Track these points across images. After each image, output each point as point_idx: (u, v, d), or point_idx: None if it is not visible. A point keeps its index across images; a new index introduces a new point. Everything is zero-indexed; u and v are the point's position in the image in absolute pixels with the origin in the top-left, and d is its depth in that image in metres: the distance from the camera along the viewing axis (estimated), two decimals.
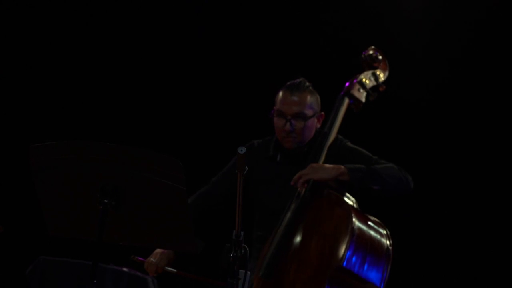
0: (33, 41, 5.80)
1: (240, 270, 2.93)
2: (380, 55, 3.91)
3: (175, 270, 3.65)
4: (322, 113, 3.80)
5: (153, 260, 3.73)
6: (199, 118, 5.73)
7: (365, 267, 3.38)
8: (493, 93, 5.35)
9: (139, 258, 3.75)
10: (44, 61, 5.81)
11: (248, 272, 2.96)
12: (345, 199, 3.54)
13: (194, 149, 5.56)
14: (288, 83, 3.78)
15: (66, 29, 5.79)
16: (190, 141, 5.65)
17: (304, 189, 3.55)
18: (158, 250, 3.74)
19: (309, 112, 3.71)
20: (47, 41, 5.79)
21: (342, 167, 3.56)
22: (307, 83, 3.77)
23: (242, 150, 2.85)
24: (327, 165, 3.58)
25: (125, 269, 3.84)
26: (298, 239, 3.48)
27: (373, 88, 3.84)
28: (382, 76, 3.87)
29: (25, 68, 5.82)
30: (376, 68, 3.89)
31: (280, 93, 3.76)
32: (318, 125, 3.79)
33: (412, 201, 5.13)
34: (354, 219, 3.39)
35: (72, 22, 5.78)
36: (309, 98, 3.73)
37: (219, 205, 3.87)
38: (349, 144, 3.79)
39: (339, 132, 3.74)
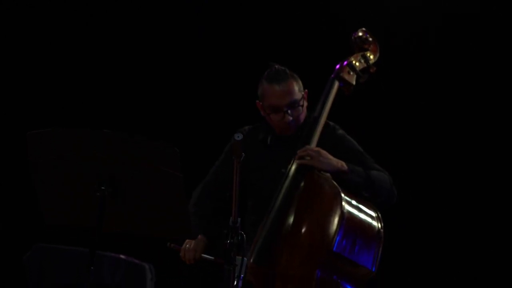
0: (28, 32, 5.80)
1: (237, 257, 2.95)
2: (370, 37, 3.84)
3: (212, 258, 3.55)
4: (306, 90, 3.78)
5: (188, 246, 3.65)
6: (195, 105, 5.72)
7: (356, 250, 3.39)
8: (490, 88, 5.34)
9: (176, 246, 3.65)
10: (39, 50, 5.80)
11: (245, 258, 2.97)
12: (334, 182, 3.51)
13: (190, 136, 5.56)
14: (266, 74, 3.74)
15: (60, 19, 5.78)
16: (186, 128, 5.65)
17: (292, 166, 3.55)
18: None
19: (298, 96, 3.70)
20: (41, 32, 5.78)
21: (345, 166, 3.55)
22: (284, 68, 3.74)
23: (238, 136, 2.85)
24: (333, 158, 3.56)
25: (122, 256, 3.85)
26: (289, 224, 3.48)
27: (364, 70, 3.79)
28: (372, 58, 3.81)
29: (20, 58, 5.81)
30: (366, 50, 3.83)
31: (265, 87, 3.71)
32: (306, 103, 3.77)
33: (405, 189, 5.15)
34: (344, 203, 3.39)
35: (69, 16, 5.77)
36: (294, 83, 3.71)
37: (226, 192, 3.82)
38: (341, 132, 3.78)
39: (329, 116, 3.72)
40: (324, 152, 3.58)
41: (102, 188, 2.93)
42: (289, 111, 3.66)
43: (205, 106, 5.70)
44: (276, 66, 3.75)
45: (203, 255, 3.62)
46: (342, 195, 3.41)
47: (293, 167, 3.56)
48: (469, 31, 5.34)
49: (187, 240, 3.67)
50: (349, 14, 5.37)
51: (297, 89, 3.70)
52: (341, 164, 3.56)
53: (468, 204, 5.30)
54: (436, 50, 5.41)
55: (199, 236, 3.66)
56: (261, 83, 3.73)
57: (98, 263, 3.56)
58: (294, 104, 3.68)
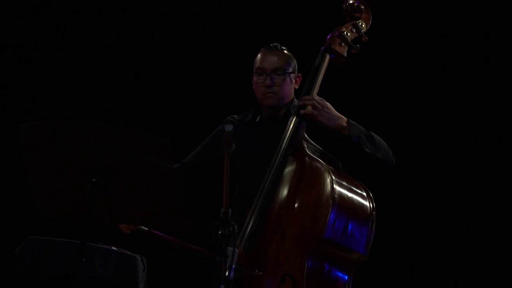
0: (23, 28, 5.79)
1: (229, 248, 2.94)
2: (362, 4, 3.76)
3: (146, 229, 3.53)
4: (299, 74, 3.81)
5: None
6: (189, 98, 5.73)
7: (348, 235, 3.36)
8: (488, 85, 5.36)
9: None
10: (33, 46, 5.80)
11: (236, 250, 2.97)
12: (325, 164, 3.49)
13: (183, 129, 5.56)
14: (264, 46, 3.81)
15: (55, 14, 5.77)
16: (178, 120, 5.65)
17: (292, 124, 3.53)
18: None
19: (288, 68, 3.74)
20: (36, 27, 5.78)
21: (346, 119, 3.57)
22: (283, 47, 3.80)
23: (229, 127, 2.85)
24: (336, 113, 3.57)
25: (114, 248, 3.84)
26: (278, 209, 3.45)
27: (355, 40, 3.72)
28: (364, 27, 3.74)
29: (15, 53, 5.81)
30: (358, 18, 3.75)
31: (259, 55, 3.79)
32: (296, 86, 3.80)
33: (402, 186, 5.16)
34: (335, 185, 3.37)
35: (63, 11, 5.76)
36: (287, 56, 3.77)
37: (200, 177, 3.88)
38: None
39: (320, 89, 3.68)
40: (328, 104, 3.58)
41: (94, 180, 2.93)
42: (272, 75, 3.69)
43: (199, 99, 5.70)
44: (277, 44, 3.80)
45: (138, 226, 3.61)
46: (333, 177, 3.39)
47: (288, 136, 3.53)
48: (464, 24, 5.36)
49: None
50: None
51: (287, 63, 3.74)
52: (342, 118, 3.56)
53: (465, 200, 5.32)
54: (431, 44, 5.42)
55: None
56: (258, 52, 3.80)
57: (89, 255, 3.56)
58: (278, 71, 3.71)
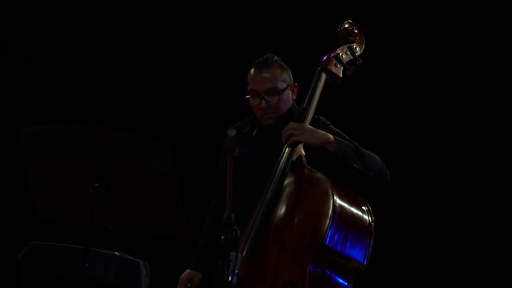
0: (22, 29, 5.79)
1: (231, 252, 2.95)
2: (356, 29, 3.87)
3: None
4: (296, 84, 3.81)
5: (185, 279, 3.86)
6: (190, 102, 5.73)
7: (348, 244, 3.39)
8: (487, 85, 5.35)
9: None
10: (34, 48, 5.80)
11: (239, 254, 2.97)
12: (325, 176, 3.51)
13: (184, 133, 5.56)
14: (257, 60, 3.79)
15: (54, 16, 5.77)
16: (180, 125, 5.65)
17: (286, 151, 3.55)
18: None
19: (281, 85, 3.73)
20: (36, 29, 5.78)
21: (331, 136, 3.57)
22: (275, 58, 3.78)
23: (231, 132, 2.85)
24: (318, 130, 3.59)
25: (116, 253, 3.85)
26: (279, 218, 3.48)
27: (350, 62, 3.81)
28: (358, 50, 3.83)
29: (15, 56, 5.80)
30: (352, 42, 3.85)
31: (251, 72, 3.77)
32: (294, 96, 3.81)
33: (395, 182, 5.15)
34: (335, 197, 3.40)
35: (63, 12, 5.76)
36: (279, 72, 3.74)
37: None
38: (331, 127, 3.79)
39: (317, 109, 3.72)
40: (307, 126, 3.60)
41: (96, 185, 2.93)
42: (266, 97, 3.69)
43: (200, 104, 5.70)
44: (270, 55, 3.79)
45: None
46: (334, 189, 3.42)
47: (284, 159, 3.56)
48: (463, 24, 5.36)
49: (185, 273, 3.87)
50: (335, 6, 5.38)
51: (281, 79, 3.74)
52: (327, 134, 3.57)
53: (464, 201, 5.32)
54: (430, 44, 5.43)
55: (192, 272, 3.88)
56: (250, 68, 3.79)
57: (92, 260, 3.56)
58: (272, 92, 3.71)
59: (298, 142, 3.57)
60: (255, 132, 3.83)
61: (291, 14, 5.57)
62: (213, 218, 3.97)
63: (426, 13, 5.38)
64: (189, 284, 3.84)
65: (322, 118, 3.79)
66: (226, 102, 5.39)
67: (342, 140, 3.61)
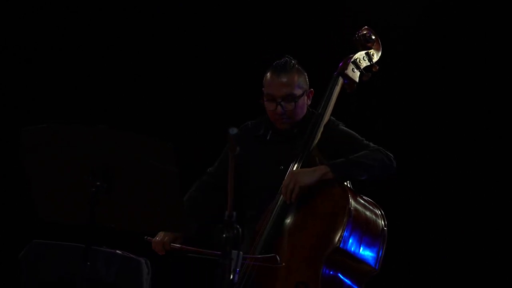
0: (23, 29, 5.79)
1: (233, 251, 2.95)
2: (374, 35, 3.92)
3: (179, 246, 3.64)
4: (311, 89, 3.81)
5: (158, 238, 3.72)
6: (193, 101, 5.73)
7: (361, 247, 3.42)
8: (487, 85, 5.36)
9: (150, 238, 3.77)
10: (34, 47, 5.80)
11: (241, 253, 2.97)
12: None
13: (186, 132, 5.56)
14: (274, 63, 3.77)
15: (55, 15, 5.77)
16: (182, 124, 5.65)
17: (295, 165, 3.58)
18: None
19: (298, 91, 3.71)
20: (37, 28, 5.78)
21: (323, 167, 3.54)
22: (293, 62, 3.76)
23: (233, 130, 2.85)
24: (308, 169, 3.56)
25: (118, 251, 3.85)
26: (293, 219, 3.50)
27: (367, 68, 3.85)
28: (375, 56, 3.88)
29: (16, 55, 5.80)
30: (369, 48, 3.90)
31: (268, 76, 3.75)
32: (309, 102, 3.80)
33: (403, 183, 5.16)
34: (351, 200, 3.42)
35: (63, 12, 5.76)
36: (296, 78, 3.72)
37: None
38: (341, 126, 3.79)
39: (333, 113, 3.75)
40: (296, 172, 3.56)
41: (97, 183, 2.93)
42: (282, 103, 3.67)
43: (204, 102, 5.70)
44: (288, 58, 3.76)
45: (172, 244, 3.68)
46: (349, 192, 3.43)
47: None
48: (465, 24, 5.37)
49: (159, 233, 3.73)
50: (353, 12, 5.38)
51: (298, 85, 3.71)
52: (319, 168, 3.54)
53: (469, 203, 5.32)
54: (431, 44, 5.43)
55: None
56: (268, 70, 3.76)
57: (93, 258, 3.55)
58: (288, 98, 3.69)
59: (300, 191, 3.52)
60: (269, 135, 3.81)
61: (291, 14, 5.57)
62: (195, 196, 3.88)
63: (426, 13, 5.38)
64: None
65: (332, 118, 3.79)
66: (227, 101, 5.40)
67: (335, 163, 3.56)
